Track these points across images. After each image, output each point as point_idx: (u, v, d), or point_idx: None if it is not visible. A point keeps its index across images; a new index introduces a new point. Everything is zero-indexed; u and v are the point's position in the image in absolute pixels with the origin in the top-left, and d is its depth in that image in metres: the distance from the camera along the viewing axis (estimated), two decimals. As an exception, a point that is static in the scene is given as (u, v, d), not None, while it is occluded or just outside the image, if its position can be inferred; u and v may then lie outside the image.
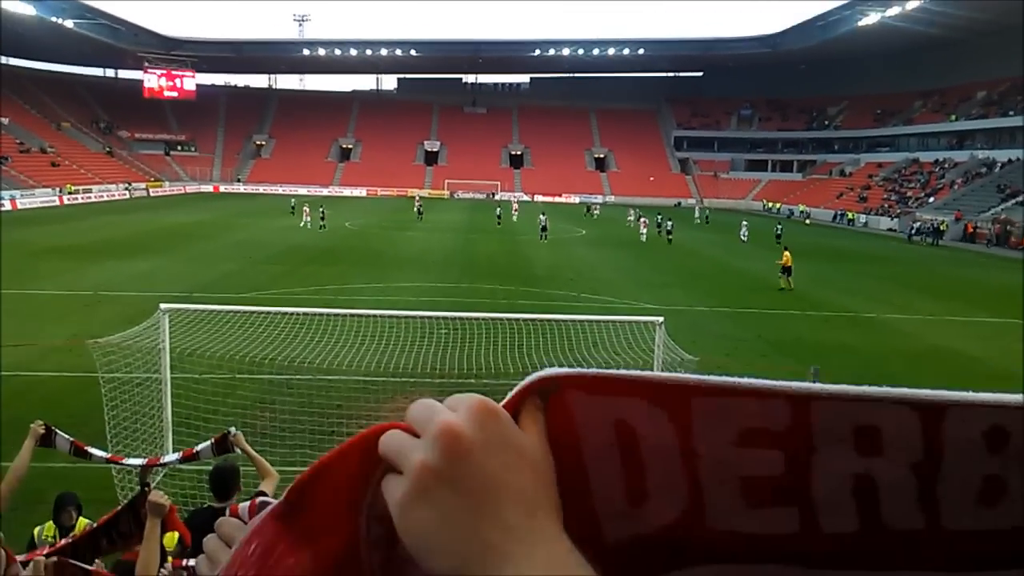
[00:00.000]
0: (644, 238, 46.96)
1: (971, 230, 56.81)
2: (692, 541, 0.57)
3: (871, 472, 0.54)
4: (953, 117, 77.57)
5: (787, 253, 29.80)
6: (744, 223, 51.43)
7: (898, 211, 68.60)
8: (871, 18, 74.79)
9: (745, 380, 0.56)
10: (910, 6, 70.15)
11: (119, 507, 4.39)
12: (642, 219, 50.60)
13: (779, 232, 48.95)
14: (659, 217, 52.78)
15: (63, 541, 4.88)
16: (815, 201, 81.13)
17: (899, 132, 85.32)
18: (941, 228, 56.57)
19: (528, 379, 0.58)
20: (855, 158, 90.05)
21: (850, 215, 72.59)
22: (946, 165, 74.32)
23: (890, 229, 65.16)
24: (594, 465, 0.57)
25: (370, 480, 0.57)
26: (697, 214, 68.36)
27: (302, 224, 48.10)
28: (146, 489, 4.20)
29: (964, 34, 73.15)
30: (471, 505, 0.50)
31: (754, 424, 0.55)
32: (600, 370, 0.58)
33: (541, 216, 46.98)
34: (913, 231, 58.05)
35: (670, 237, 46.63)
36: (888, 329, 23.40)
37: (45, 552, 3.74)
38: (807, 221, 72.54)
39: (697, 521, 0.56)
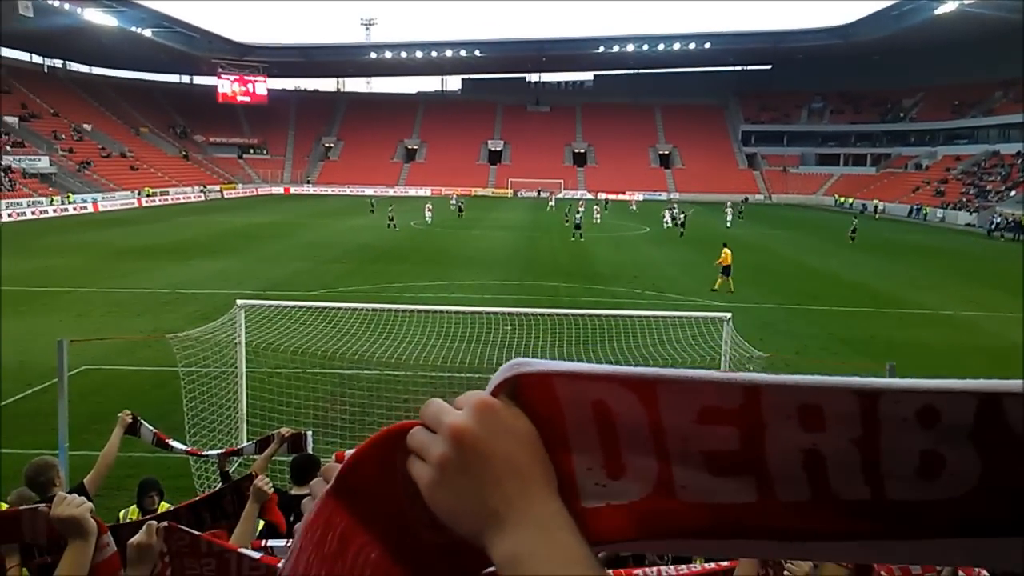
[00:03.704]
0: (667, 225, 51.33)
1: (1056, 224, 54.36)
2: (665, 513, 0.64)
3: (818, 446, 0.59)
4: (1036, 107, 74.27)
5: (727, 250, 27.25)
6: (727, 209, 55.90)
7: (977, 205, 66.18)
8: (948, 6, 72.05)
9: (704, 371, 0.63)
10: (990, -8, 67.47)
11: (223, 485, 4.59)
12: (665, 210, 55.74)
13: (854, 228, 46.86)
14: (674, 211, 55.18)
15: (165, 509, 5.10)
16: (890, 196, 78.75)
17: (978, 124, 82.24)
18: (1023, 222, 54.32)
19: (505, 371, 0.67)
20: (932, 151, 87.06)
21: (925, 210, 70.24)
22: (1029, 157, 71.31)
23: (969, 224, 63.00)
24: (576, 439, 0.66)
25: (400, 459, 0.69)
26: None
27: (427, 220, 51.92)
28: (254, 474, 4.39)
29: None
30: (479, 484, 0.64)
31: (711, 403, 0.61)
32: (571, 364, 0.66)
33: (576, 214, 46.03)
34: (993, 226, 56.04)
35: (682, 230, 47.18)
36: (967, 326, 22.62)
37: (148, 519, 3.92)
38: (877, 216, 70.34)
39: (668, 492, 0.64)
